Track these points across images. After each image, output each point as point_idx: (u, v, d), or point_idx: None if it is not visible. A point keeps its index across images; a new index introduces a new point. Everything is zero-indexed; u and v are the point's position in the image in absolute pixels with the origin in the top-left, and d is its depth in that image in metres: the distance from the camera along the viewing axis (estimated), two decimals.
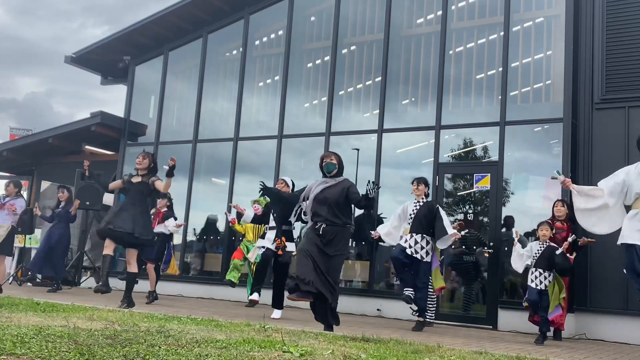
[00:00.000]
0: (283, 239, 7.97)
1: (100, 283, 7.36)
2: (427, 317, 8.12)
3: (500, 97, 9.62)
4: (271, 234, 8.19)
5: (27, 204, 14.78)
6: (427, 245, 7.63)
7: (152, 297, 9.24)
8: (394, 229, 8.06)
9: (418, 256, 7.56)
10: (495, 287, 9.04)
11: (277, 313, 7.91)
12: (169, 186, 7.69)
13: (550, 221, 7.62)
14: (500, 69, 9.72)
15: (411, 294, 7.53)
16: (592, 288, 8.40)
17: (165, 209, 9.83)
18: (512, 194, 9.47)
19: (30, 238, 11.89)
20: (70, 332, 3.83)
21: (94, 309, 6.13)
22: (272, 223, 8.30)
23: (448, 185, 9.94)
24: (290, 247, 8.03)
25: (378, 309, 9.70)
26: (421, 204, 7.79)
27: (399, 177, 10.55)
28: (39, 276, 11.59)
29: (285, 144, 11.52)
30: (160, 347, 3.42)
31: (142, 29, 12.93)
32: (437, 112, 10.05)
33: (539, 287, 7.20)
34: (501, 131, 9.43)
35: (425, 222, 7.66)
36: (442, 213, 7.77)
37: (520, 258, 7.52)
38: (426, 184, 7.97)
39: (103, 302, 7.82)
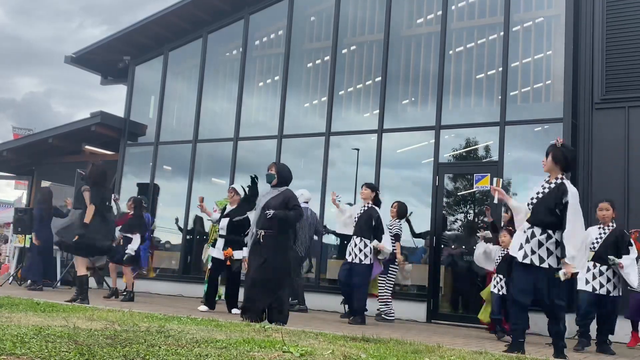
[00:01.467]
0: (230, 249, 8.08)
1: (77, 299, 7.61)
2: (389, 315, 8.54)
3: (500, 97, 9.62)
4: (220, 243, 8.28)
5: (27, 203, 14.83)
6: (364, 248, 7.86)
7: (129, 296, 9.22)
8: (344, 219, 8.31)
9: (357, 259, 7.83)
10: None
11: (234, 311, 8.04)
12: (86, 198, 8.02)
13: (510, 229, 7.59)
14: (500, 69, 9.71)
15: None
16: None
17: (132, 212, 9.77)
18: (512, 193, 9.46)
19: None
20: (70, 332, 3.83)
21: (93, 309, 6.14)
22: (221, 232, 8.35)
23: (448, 185, 9.94)
24: (237, 254, 8.09)
25: (378, 309, 9.68)
26: (365, 209, 8.04)
27: (399, 177, 10.56)
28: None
29: (285, 144, 11.52)
30: (160, 347, 3.42)
31: (142, 29, 12.93)
32: (437, 112, 10.05)
33: (501, 293, 7.04)
34: (501, 131, 9.43)
35: (365, 227, 7.93)
36: (383, 225, 8.01)
37: (487, 257, 7.43)
38: (372, 189, 8.22)
39: (103, 302, 7.83)
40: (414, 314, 9.42)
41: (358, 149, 10.90)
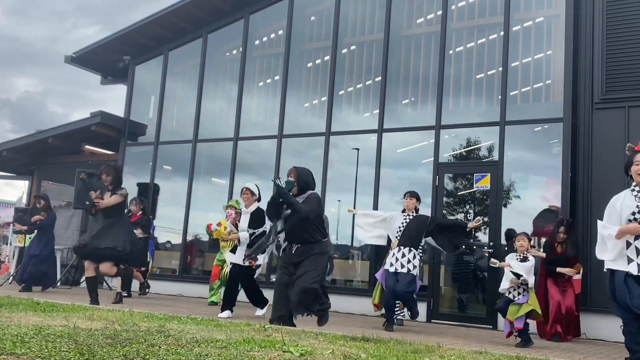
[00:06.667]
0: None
1: (90, 303, 7.47)
2: (400, 315, 8.29)
3: (500, 97, 9.62)
4: (241, 251, 7.98)
5: (27, 203, 14.82)
6: (413, 259, 7.60)
7: (143, 291, 9.25)
8: (372, 221, 8.17)
9: (404, 270, 7.53)
10: (495, 287, 9.02)
11: (259, 311, 7.96)
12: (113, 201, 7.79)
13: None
14: (500, 69, 9.71)
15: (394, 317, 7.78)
16: (592, 288, 8.40)
17: (140, 212, 9.81)
18: (512, 193, 9.47)
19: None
20: (70, 332, 3.83)
21: (94, 308, 6.14)
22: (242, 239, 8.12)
23: (448, 185, 9.94)
24: (259, 259, 7.83)
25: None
26: (411, 217, 7.84)
27: (398, 177, 10.56)
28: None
29: (285, 144, 11.52)
30: (160, 347, 3.42)
31: (142, 29, 12.93)
32: (437, 112, 10.05)
33: (516, 299, 6.88)
34: (501, 131, 9.43)
35: (414, 236, 7.71)
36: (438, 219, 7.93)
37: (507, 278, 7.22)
38: (418, 199, 8.02)
39: (103, 301, 7.82)
40: None
41: (358, 149, 10.90)
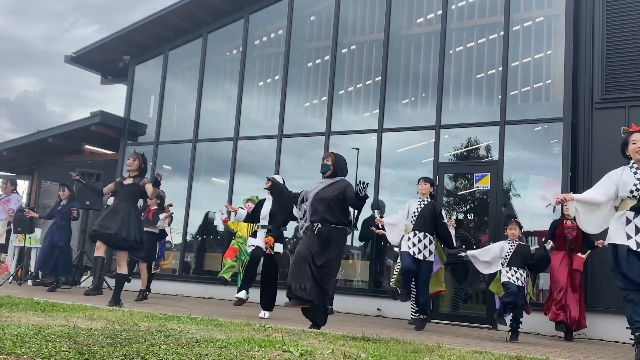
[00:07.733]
0: (271, 238, 7.84)
1: (90, 286, 7.40)
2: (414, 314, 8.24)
3: (500, 97, 9.63)
4: (262, 233, 8.17)
5: (27, 203, 14.82)
6: (429, 245, 7.70)
7: (142, 295, 9.20)
8: (395, 225, 8.09)
9: (420, 256, 7.64)
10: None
11: (264, 313, 7.83)
12: (154, 194, 7.82)
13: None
14: (500, 68, 9.72)
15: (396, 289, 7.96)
16: (592, 288, 8.40)
17: (156, 207, 9.79)
18: (512, 193, 9.47)
19: (30, 237, 11.86)
20: (70, 332, 3.83)
21: (94, 308, 6.14)
22: (262, 222, 8.25)
23: (448, 185, 9.95)
24: (278, 247, 7.88)
25: (378, 309, 9.71)
26: (425, 202, 7.86)
27: (398, 177, 10.56)
28: (40, 274, 11.55)
29: (285, 144, 11.53)
30: (160, 347, 3.42)
31: (142, 29, 12.94)
32: (437, 111, 10.05)
33: (517, 283, 7.04)
34: (501, 131, 9.44)
35: (428, 221, 7.73)
36: (445, 220, 7.88)
37: (488, 263, 7.39)
38: (432, 184, 8.07)
39: (103, 301, 7.83)
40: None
41: (358, 149, 10.90)
